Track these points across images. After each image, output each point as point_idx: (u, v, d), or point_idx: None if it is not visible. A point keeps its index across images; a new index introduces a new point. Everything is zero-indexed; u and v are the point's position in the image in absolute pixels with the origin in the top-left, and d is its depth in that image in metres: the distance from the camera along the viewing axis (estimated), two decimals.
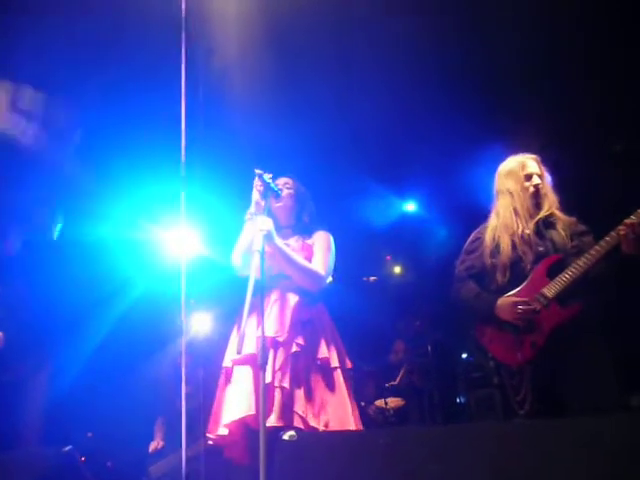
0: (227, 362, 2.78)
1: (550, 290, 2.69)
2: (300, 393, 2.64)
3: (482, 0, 4.15)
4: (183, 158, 2.99)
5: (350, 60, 4.68)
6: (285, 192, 3.01)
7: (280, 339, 2.70)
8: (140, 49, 4.24)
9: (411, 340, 6.01)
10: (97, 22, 4.07)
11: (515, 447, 1.91)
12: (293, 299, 2.84)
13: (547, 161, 3.00)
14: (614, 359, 2.65)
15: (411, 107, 5.03)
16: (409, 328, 6.15)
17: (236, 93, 4.53)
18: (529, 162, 2.94)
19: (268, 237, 2.70)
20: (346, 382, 2.80)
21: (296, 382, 2.66)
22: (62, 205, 4.12)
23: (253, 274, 2.49)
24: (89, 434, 5.35)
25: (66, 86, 4.29)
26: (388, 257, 7.23)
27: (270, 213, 2.84)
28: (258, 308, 2.51)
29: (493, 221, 2.95)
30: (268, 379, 2.54)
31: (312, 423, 2.60)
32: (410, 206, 6.81)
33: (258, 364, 2.36)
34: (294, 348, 2.70)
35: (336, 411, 2.69)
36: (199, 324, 5.51)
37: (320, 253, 2.96)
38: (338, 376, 2.77)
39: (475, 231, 3.05)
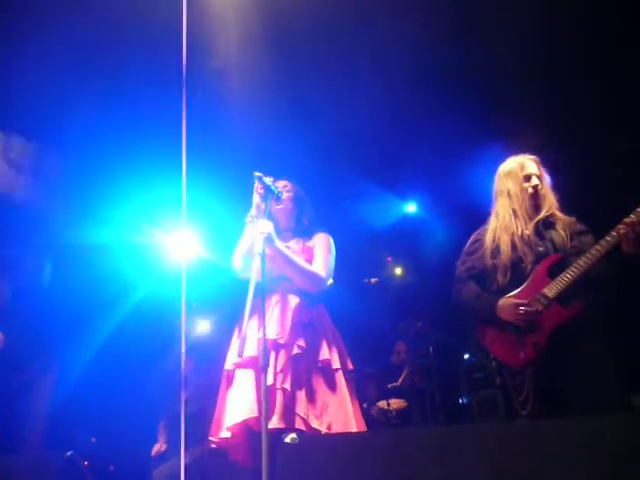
0: (229, 365, 2.79)
1: (551, 290, 2.69)
2: (302, 395, 2.65)
3: (482, 0, 4.16)
4: (184, 162, 3.00)
5: (349, 61, 4.69)
6: (285, 195, 3.02)
7: (281, 341, 2.70)
8: (140, 54, 4.26)
9: (413, 341, 6.01)
10: (96, 25, 4.08)
11: (517, 447, 1.91)
12: (294, 301, 2.84)
13: (546, 161, 3.00)
14: (615, 359, 2.64)
15: (410, 108, 5.04)
16: (410, 329, 6.16)
17: (236, 96, 4.54)
18: (528, 163, 2.94)
19: (269, 240, 2.70)
20: (348, 384, 2.80)
21: (297, 384, 2.66)
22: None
23: (254, 277, 2.49)
24: (92, 439, 5.35)
25: (66, 90, 4.31)
26: (389, 258, 7.24)
27: (270, 216, 2.84)
28: (259, 310, 2.52)
29: (493, 222, 2.95)
30: (270, 381, 2.54)
31: (314, 425, 2.61)
32: (410, 207, 6.81)
33: (259, 366, 2.36)
34: (295, 350, 2.70)
35: (338, 413, 2.69)
36: (201, 327, 5.52)
37: (320, 255, 2.96)
38: (340, 378, 2.78)
39: (475, 232, 3.05)
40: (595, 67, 4.48)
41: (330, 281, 3.02)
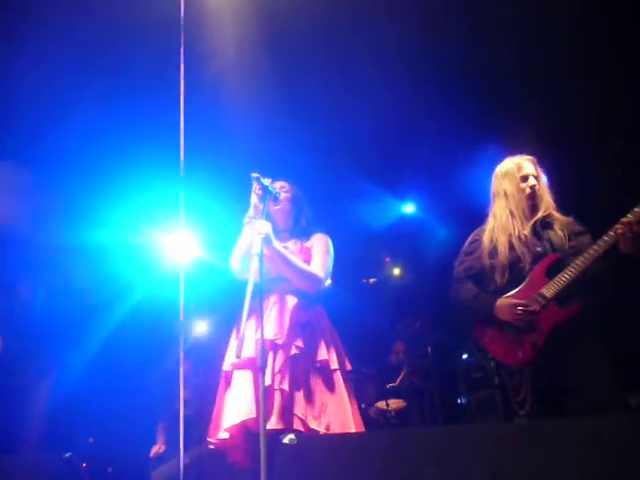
0: (227, 366, 2.78)
1: (549, 290, 2.69)
2: (300, 395, 2.64)
3: (482, 0, 4.16)
4: (182, 163, 3.00)
5: (347, 61, 4.69)
6: (282, 195, 3.02)
7: (279, 342, 2.70)
8: (138, 55, 4.26)
9: (411, 341, 6.01)
10: (95, 25, 4.08)
11: (515, 447, 1.91)
12: (292, 302, 2.84)
13: (544, 161, 3.00)
14: (613, 358, 2.65)
15: (409, 108, 5.04)
16: (409, 329, 6.16)
17: (234, 96, 4.54)
18: (525, 163, 2.94)
19: (267, 240, 2.70)
20: (346, 384, 2.80)
21: (295, 385, 2.66)
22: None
23: (252, 277, 2.49)
24: (90, 440, 5.35)
25: (65, 90, 4.31)
26: (387, 259, 7.24)
27: (268, 217, 2.84)
28: (257, 311, 2.52)
29: (490, 223, 2.95)
30: (268, 382, 2.54)
31: (312, 425, 2.61)
32: (409, 207, 6.82)
33: (257, 367, 2.36)
34: (293, 350, 2.70)
35: (336, 413, 2.69)
36: (199, 328, 5.52)
37: (319, 256, 2.96)
38: (338, 378, 2.77)
39: (473, 233, 3.05)
40: (595, 67, 4.49)
41: (328, 281, 3.02)
